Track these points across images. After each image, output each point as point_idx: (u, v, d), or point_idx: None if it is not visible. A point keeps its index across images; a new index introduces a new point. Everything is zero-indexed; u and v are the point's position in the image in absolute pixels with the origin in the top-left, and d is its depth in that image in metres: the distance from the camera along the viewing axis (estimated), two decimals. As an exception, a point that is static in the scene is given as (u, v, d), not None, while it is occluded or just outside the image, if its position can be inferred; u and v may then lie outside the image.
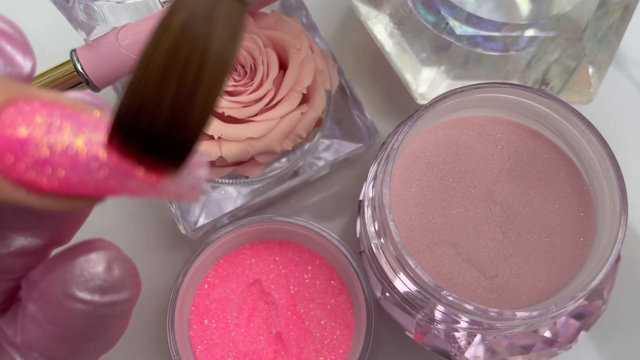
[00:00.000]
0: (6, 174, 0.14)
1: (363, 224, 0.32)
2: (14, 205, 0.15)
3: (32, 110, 0.14)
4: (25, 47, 0.16)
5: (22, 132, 0.14)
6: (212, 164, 0.32)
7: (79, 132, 0.14)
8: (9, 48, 0.16)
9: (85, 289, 0.16)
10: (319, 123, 0.34)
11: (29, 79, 0.17)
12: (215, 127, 0.31)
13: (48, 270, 0.16)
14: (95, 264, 0.16)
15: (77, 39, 0.34)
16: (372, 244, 0.30)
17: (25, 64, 0.16)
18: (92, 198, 0.15)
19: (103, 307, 0.16)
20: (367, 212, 0.30)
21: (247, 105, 0.32)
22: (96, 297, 0.16)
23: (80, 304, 0.16)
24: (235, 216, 0.36)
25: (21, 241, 0.16)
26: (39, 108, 0.14)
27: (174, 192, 0.15)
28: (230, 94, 0.32)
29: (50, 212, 0.16)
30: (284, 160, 0.35)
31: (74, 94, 0.17)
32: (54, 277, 0.16)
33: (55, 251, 0.18)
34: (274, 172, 0.34)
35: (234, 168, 0.33)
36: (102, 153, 0.14)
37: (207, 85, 0.14)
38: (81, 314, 0.16)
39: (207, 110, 0.14)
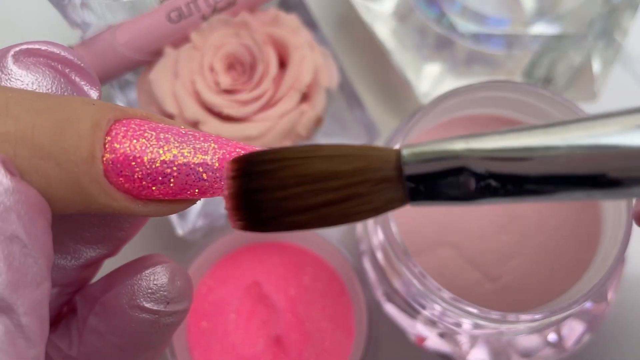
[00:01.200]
0: (120, 185, 0.15)
1: (363, 225, 0.31)
2: (93, 215, 0.17)
3: (138, 127, 0.16)
4: (92, 78, 0.18)
5: (135, 145, 0.15)
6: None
7: (183, 142, 0.16)
8: (78, 79, 0.17)
9: (152, 299, 0.17)
10: (318, 122, 0.33)
11: None
12: (213, 125, 0.31)
13: (111, 284, 0.18)
14: (160, 276, 0.17)
15: (73, 36, 0.33)
16: (372, 245, 0.30)
17: (93, 94, 0.18)
18: (189, 200, 0.17)
19: (166, 317, 0.17)
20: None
21: (245, 103, 0.31)
22: (161, 307, 0.17)
23: (146, 314, 0.17)
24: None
25: (90, 253, 0.18)
26: (142, 124, 0.16)
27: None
28: (229, 92, 0.32)
29: (149, 216, 0.18)
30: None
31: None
32: (120, 290, 0.17)
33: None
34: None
35: (232, 168, 0.32)
36: (208, 160, 0.16)
37: (333, 218, 0.16)
38: (146, 323, 0.17)
39: (306, 226, 0.16)
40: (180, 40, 0.32)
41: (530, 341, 0.30)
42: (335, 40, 0.40)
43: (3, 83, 0.16)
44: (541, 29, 0.33)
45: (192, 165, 0.16)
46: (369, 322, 0.32)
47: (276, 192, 0.16)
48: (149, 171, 0.15)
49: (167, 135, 0.16)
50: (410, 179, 0.16)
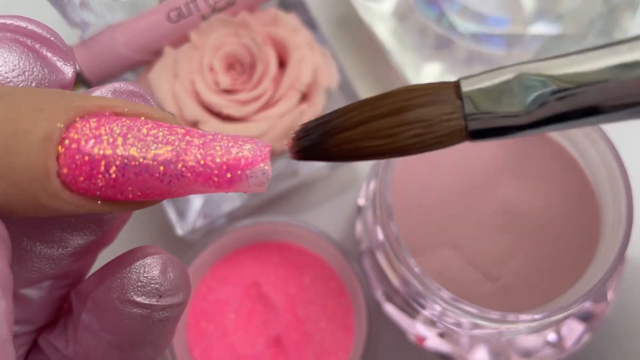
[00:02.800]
0: (82, 191, 0.14)
1: (363, 224, 0.31)
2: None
3: (92, 131, 0.14)
4: (65, 52, 0.17)
5: (90, 151, 0.14)
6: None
7: (142, 145, 0.15)
8: (50, 55, 0.16)
9: (143, 293, 0.16)
10: (318, 122, 0.33)
11: (71, 84, 0.17)
12: (213, 125, 0.31)
13: (101, 278, 0.17)
14: (151, 268, 0.16)
15: (72, 36, 0.33)
16: (372, 245, 0.30)
17: (67, 70, 0.17)
18: (159, 199, 0.16)
19: (160, 311, 0.16)
20: (368, 212, 0.30)
21: (245, 103, 0.31)
22: (153, 301, 0.16)
23: (138, 309, 0.16)
24: (233, 217, 0.35)
25: (77, 241, 0.17)
26: (97, 127, 0.14)
27: (243, 189, 0.16)
28: (228, 92, 0.32)
29: (120, 213, 0.17)
30: (283, 160, 0.34)
31: (117, 85, 0.17)
32: (110, 284, 0.16)
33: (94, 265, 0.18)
34: (273, 172, 0.34)
35: (232, 168, 0.32)
36: (171, 158, 0.15)
37: (375, 148, 0.17)
38: (139, 319, 0.16)
39: (348, 156, 0.18)
40: (180, 40, 0.32)
41: (530, 341, 0.30)
42: (335, 40, 0.40)
43: None
44: (541, 29, 0.33)
45: (153, 169, 0.15)
46: (369, 322, 0.32)
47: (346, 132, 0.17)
48: (107, 178, 0.14)
49: (125, 137, 0.14)
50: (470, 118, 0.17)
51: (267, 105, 0.32)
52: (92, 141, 0.14)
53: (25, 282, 0.16)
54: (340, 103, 0.36)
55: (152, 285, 0.16)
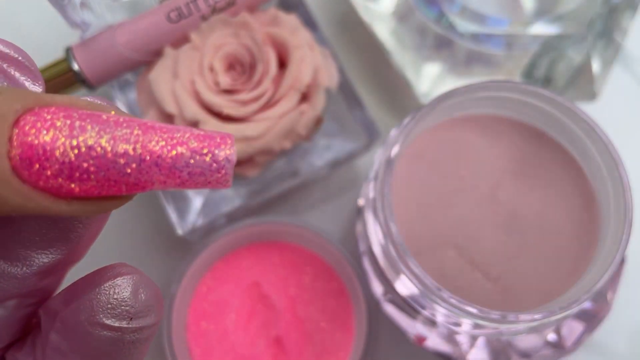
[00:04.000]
0: (33, 182, 0.14)
1: (363, 224, 0.31)
2: (39, 217, 0.15)
3: (50, 115, 0.14)
4: (33, 73, 0.16)
5: (45, 137, 0.13)
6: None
7: (101, 131, 0.14)
8: (17, 75, 0.16)
9: (112, 315, 0.15)
10: (318, 122, 0.33)
11: None
12: (213, 125, 0.31)
13: (69, 298, 0.16)
14: (121, 290, 0.16)
15: (72, 37, 0.33)
16: (372, 246, 0.30)
17: (36, 90, 0.16)
18: (121, 197, 0.15)
19: (131, 333, 0.16)
20: (368, 212, 0.30)
21: (245, 103, 0.31)
22: (124, 324, 0.16)
23: (107, 331, 0.15)
24: (233, 217, 0.35)
25: (42, 259, 0.16)
26: (56, 112, 0.14)
27: (203, 181, 0.15)
28: (229, 92, 0.32)
29: (79, 217, 0.16)
30: (283, 160, 0.34)
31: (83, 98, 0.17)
32: (78, 305, 0.16)
33: (65, 278, 0.17)
34: (273, 172, 0.34)
35: (232, 168, 0.32)
36: (130, 149, 0.14)
37: None
38: (108, 341, 0.16)
39: None
40: (180, 40, 0.32)
41: (530, 341, 0.30)
42: (335, 40, 0.40)
43: None
44: (541, 29, 0.33)
45: (112, 157, 0.14)
46: (369, 322, 0.32)
47: None
48: (62, 166, 0.13)
49: (83, 124, 0.14)
50: None
51: (267, 105, 0.32)
52: (48, 123, 0.14)
53: None
54: (340, 103, 0.36)
55: (122, 307, 0.15)
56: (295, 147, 0.34)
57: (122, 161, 0.14)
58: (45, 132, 0.13)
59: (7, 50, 0.16)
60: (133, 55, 0.32)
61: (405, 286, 0.28)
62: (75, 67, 0.31)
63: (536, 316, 0.26)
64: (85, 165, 0.14)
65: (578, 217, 0.29)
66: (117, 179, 0.14)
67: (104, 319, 0.15)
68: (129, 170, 0.14)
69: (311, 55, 0.32)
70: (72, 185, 0.14)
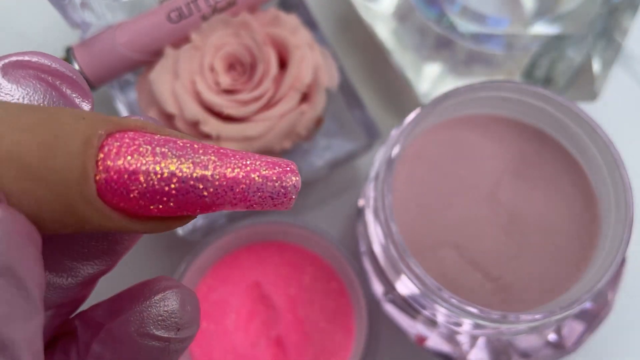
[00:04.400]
0: (115, 204, 0.14)
1: (364, 225, 0.31)
2: (106, 232, 0.16)
3: (132, 140, 0.14)
4: (84, 90, 0.17)
5: (129, 162, 0.14)
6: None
7: (181, 157, 0.15)
8: (69, 92, 0.16)
9: (162, 327, 0.16)
10: (318, 122, 0.33)
11: None
12: (213, 125, 0.31)
13: (115, 310, 0.17)
14: (171, 302, 0.17)
15: (73, 37, 0.33)
16: (373, 245, 0.30)
17: (85, 107, 0.17)
18: (188, 216, 0.16)
19: (176, 343, 0.17)
20: (368, 212, 0.30)
21: (245, 103, 0.31)
22: (172, 334, 0.16)
23: (156, 342, 0.16)
24: (233, 217, 0.35)
25: (88, 270, 0.17)
26: (136, 137, 0.15)
27: (270, 204, 0.16)
28: (229, 92, 0.32)
29: (148, 233, 0.17)
30: (283, 160, 0.34)
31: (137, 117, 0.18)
32: (127, 317, 0.16)
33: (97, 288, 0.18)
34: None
35: (232, 168, 0.32)
36: (209, 175, 0.15)
37: None
38: (156, 351, 0.17)
39: None
40: (181, 40, 0.32)
41: (530, 341, 0.30)
42: (335, 40, 0.40)
43: None
44: (541, 29, 0.33)
45: (193, 183, 0.15)
46: (369, 322, 0.32)
47: None
48: (145, 190, 0.14)
49: (163, 150, 0.15)
50: None
51: (268, 105, 0.32)
52: (131, 149, 0.14)
53: None
54: (340, 103, 0.36)
55: (172, 319, 0.17)
56: (296, 147, 0.34)
57: (200, 186, 0.15)
58: (130, 157, 0.14)
59: (62, 69, 0.16)
60: (133, 55, 0.32)
61: (405, 286, 0.28)
62: (76, 67, 0.31)
63: (537, 316, 0.26)
64: (167, 189, 0.14)
65: (578, 217, 0.29)
66: (194, 202, 0.15)
67: (154, 330, 0.16)
68: (205, 194, 0.15)
69: (311, 55, 0.32)
70: (152, 207, 0.15)
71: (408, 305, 0.30)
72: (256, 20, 0.33)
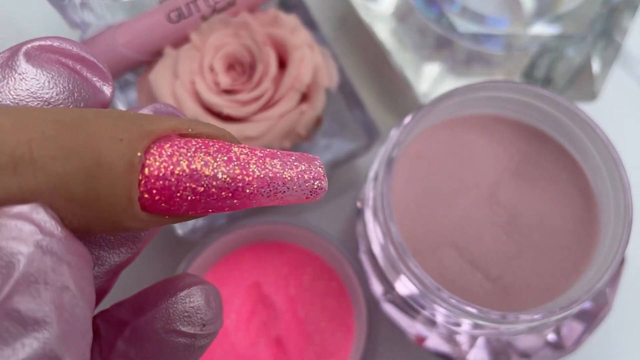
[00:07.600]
0: (153, 210, 0.15)
1: (363, 225, 0.31)
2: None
3: (170, 158, 0.15)
4: (104, 73, 0.17)
5: (170, 181, 0.15)
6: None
7: (218, 162, 0.15)
8: (89, 75, 0.17)
9: (188, 323, 0.17)
10: (318, 122, 0.33)
11: (109, 103, 0.18)
12: (213, 126, 0.31)
13: (139, 308, 0.17)
14: (197, 299, 0.17)
15: (73, 37, 0.33)
16: (372, 246, 0.30)
17: (106, 90, 0.17)
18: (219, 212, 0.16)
19: (201, 339, 0.17)
20: (368, 213, 0.30)
21: (245, 103, 0.31)
22: (197, 330, 0.17)
23: (182, 338, 0.17)
24: (233, 217, 0.35)
25: (114, 258, 0.17)
26: (174, 152, 0.15)
27: (298, 200, 0.16)
28: (229, 92, 0.32)
29: (174, 223, 0.17)
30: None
31: (157, 106, 0.18)
32: (154, 314, 0.17)
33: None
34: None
35: (232, 168, 0.32)
36: (247, 176, 0.15)
37: None
38: (182, 347, 0.17)
39: None
40: (180, 40, 0.32)
41: (529, 341, 0.30)
42: (335, 40, 0.40)
43: (17, 84, 0.15)
44: (541, 29, 0.33)
45: (229, 186, 0.15)
46: (369, 322, 0.32)
47: None
48: (185, 201, 0.15)
49: (201, 160, 0.15)
50: None
51: (267, 105, 0.32)
52: (171, 169, 0.15)
53: None
54: (340, 103, 0.36)
55: (198, 315, 0.17)
56: (295, 147, 0.34)
57: (239, 189, 0.15)
58: (169, 174, 0.15)
59: (83, 54, 0.17)
60: (133, 55, 0.32)
61: (405, 286, 0.28)
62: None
63: (536, 316, 0.26)
64: (203, 200, 0.15)
65: (578, 217, 0.29)
66: (231, 206, 0.15)
67: (180, 327, 0.17)
68: (236, 202, 0.15)
69: (311, 55, 0.32)
70: (190, 213, 0.15)
71: (407, 305, 0.30)
72: (256, 21, 0.33)
